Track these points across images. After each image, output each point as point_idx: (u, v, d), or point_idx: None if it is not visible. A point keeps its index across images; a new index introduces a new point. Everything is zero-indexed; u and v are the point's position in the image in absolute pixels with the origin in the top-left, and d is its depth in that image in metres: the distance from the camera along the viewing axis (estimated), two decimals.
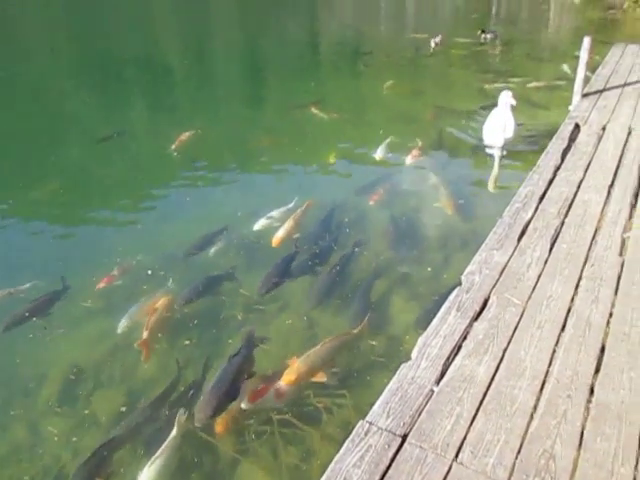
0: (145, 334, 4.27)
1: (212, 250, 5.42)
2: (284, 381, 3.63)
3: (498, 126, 7.09)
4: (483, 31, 14.30)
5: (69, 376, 4.05)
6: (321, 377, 3.73)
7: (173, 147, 8.05)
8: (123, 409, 3.74)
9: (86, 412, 3.75)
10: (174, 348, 4.26)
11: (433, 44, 13.70)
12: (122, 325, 4.39)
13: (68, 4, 29.17)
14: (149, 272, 5.13)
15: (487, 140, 7.38)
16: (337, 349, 3.96)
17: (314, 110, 9.41)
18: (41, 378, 4.07)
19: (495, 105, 7.24)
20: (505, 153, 7.21)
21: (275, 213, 5.92)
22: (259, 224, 5.76)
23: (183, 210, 6.50)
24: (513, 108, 6.99)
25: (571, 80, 8.70)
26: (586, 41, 7.16)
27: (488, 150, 7.35)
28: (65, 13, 25.73)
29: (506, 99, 6.97)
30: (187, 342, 4.29)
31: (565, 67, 11.21)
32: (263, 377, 3.80)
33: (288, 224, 5.62)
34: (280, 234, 5.49)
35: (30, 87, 12.22)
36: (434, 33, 13.80)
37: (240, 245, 5.53)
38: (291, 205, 6.07)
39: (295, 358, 3.85)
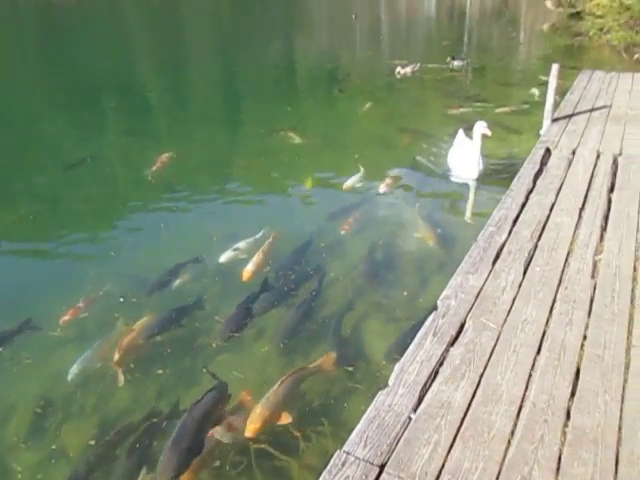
0: (117, 356, 4.22)
1: (183, 279, 5.32)
2: (248, 432, 3.42)
3: (472, 159, 6.98)
4: (452, 57, 14.51)
5: (36, 409, 3.91)
6: (286, 419, 3.54)
7: (148, 171, 7.98)
8: (92, 442, 3.61)
9: (53, 447, 3.61)
10: (147, 377, 4.16)
11: (401, 71, 13.63)
12: (73, 372, 4.16)
13: (41, 29, 29.14)
14: (121, 299, 5.03)
15: (461, 173, 7.25)
16: (297, 385, 3.81)
17: (290, 134, 9.45)
18: (7, 411, 3.93)
19: (468, 129, 7.29)
20: (478, 182, 7.15)
21: (242, 244, 5.77)
22: (225, 256, 5.59)
23: (157, 236, 6.41)
24: (485, 137, 6.88)
25: (540, 104, 8.94)
26: (554, 68, 7.35)
27: (462, 181, 7.28)
28: (38, 38, 25.66)
29: (481, 130, 6.81)
30: (160, 371, 4.19)
31: (535, 91, 11.50)
32: (228, 425, 3.56)
33: (257, 257, 5.47)
34: (250, 268, 5.33)
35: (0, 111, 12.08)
36: (405, 63, 13.81)
37: (211, 276, 5.42)
38: (259, 235, 5.93)
39: (250, 396, 3.72)
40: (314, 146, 9.12)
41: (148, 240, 6.36)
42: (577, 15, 18.06)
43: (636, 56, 13.78)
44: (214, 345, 4.33)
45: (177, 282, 5.29)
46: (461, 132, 7.53)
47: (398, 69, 13.55)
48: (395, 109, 11.13)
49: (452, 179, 7.35)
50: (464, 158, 7.16)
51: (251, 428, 3.44)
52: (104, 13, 38.59)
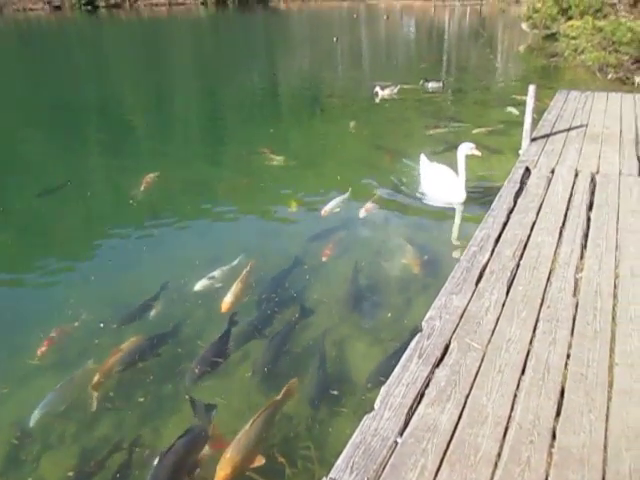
0: (95, 380, 4.18)
1: (164, 305, 5.24)
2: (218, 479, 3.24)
3: (459, 182, 6.95)
4: (426, 80, 14.71)
5: (13, 439, 3.80)
6: (259, 461, 3.37)
7: (135, 192, 7.99)
8: (71, 474, 3.51)
9: (30, 479, 3.51)
10: (129, 405, 4.07)
11: (380, 93, 13.73)
12: (34, 417, 3.97)
13: (20, 47, 29.13)
14: (101, 325, 4.95)
15: (445, 197, 7.18)
16: (269, 423, 3.69)
17: (271, 155, 9.50)
18: None
19: (450, 149, 7.36)
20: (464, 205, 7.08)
21: (217, 273, 5.62)
22: (201, 285, 5.45)
23: (139, 261, 6.33)
24: (474, 158, 6.88)
25: (517, 124, 9.10)
26: (531, 89, 7.50)
27: (446, 204, 7.19)
28: (17, 57, 25.62)
29: (468, 151, 6.78)
30: (142, 399, 4.11)
31: (512, 110, 11.73)
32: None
33: (236, 287, 5.33)
34: (229, 299, 5.17)
35: None
36: (384, 85, 13.96)
37: (193, 301, 5.32)
38: (234, 263, 5.82)
39: (222, 439, 3.58)
40: (297, 167, 9.16)
41: (130, 264, 6.26)
42: (552, 36, 18.49)
43: (610, 76, 14.14)
44: (196, 371, 4.26)
45: (158, 308, 5.20)
46: (423, 157, 7.63)
47: (377, 89, 13.69)
48: (376, 130, 11.24)
49: (435, 203, 7.27)
50: (445, 182, 7.12)
51: (221, 475, 3.27)
52: (86, 33, 38.82)
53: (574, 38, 14.42)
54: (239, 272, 5.62)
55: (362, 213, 7.06)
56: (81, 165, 9.83)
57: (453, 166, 7.15)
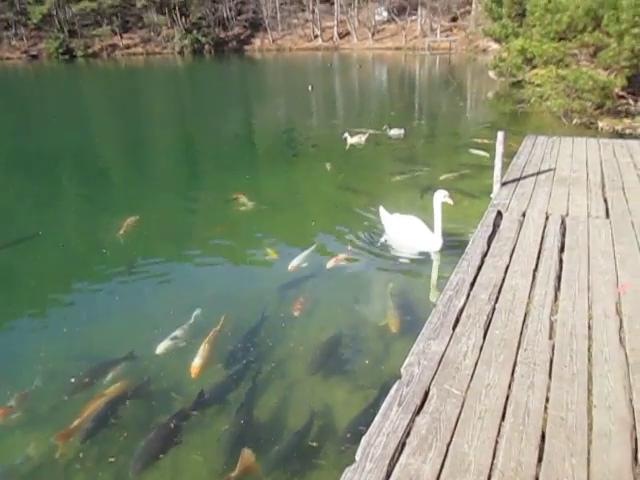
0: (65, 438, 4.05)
1: (137, 359, 5.13)
2: None
3: (435, 231, 6.91)
4: (389, 126, 15.02)
5: None
6: None
7: (111, 238, 7.99)
8: None
9: None
10: (99, 466, 3.91)
11: (349, 140, 13.91)
12: None
13: None
14: (72, 380, 4.81)
15: (420, 247, 7.18)
16: None
17: (247, 202, 9.58)
18: None
19: (425, 192, 7.44)
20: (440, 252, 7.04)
21: (179, 332, 5.41)
22: (162, 347, 5.21)
23: (112, 311, 6.21)
24: (446, 205, 6.86)
25: (487, 168, 9.36)
26: (500, 135, 7.75)
27: (421, 253, 7.17)
28: None
29: (442, 199, 6.80)
30: (112, 459, 3.94)
31: (482, 153, 12.07)
32: None
33: (204, 348, 5.12)
34: (198, 362, 4.96)
35: None
36: (353, 132, 14.22)
37: (154, 367, 5.07)
38: (193, 320, 5.64)
39: None
40: (272, 214, 9.21)
41: (103, 316, 6.11)
42: (518, 84, 19.19)
43: (574, 121, 14.69)
44: (172, 425, 4.15)
45: (130, 361, 5.09)
46: (382, 209, 7.72)
47: (346, 135, 13.98)
48: (350, 176, 11.40)
49: (407, 252, 7.23)
50: (417, 232, 7.12)
51: None
52: (63, 82, 39.09)
53: (539, 86, 15.00)
54: (206, 329, 5.43)
55: (331, 264, 6.95)
56: (54, 214, 9.73)
57: (420, 215, 7.28)
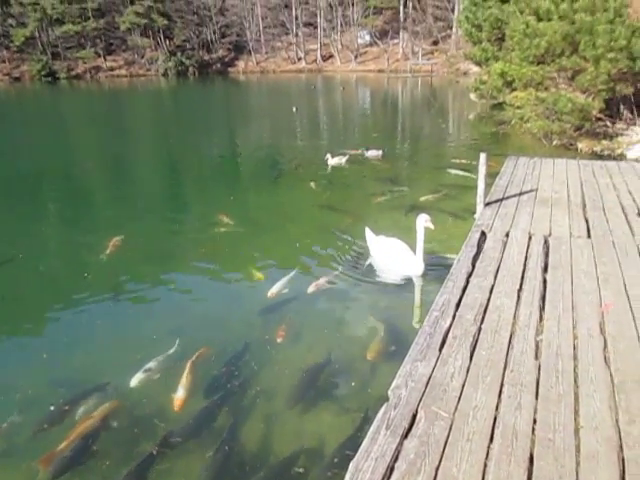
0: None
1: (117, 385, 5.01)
2: None
3: (417, 255, 6.89)
4: (366, 148, 15.14)
5: None
6: None
7: (102, 255, 8.00)
8: None
9: None
10: None
11: (330, 162, 13.97)
12: None
13: None
14: (52, 407, 4.70)
15: (402, 271, 7.10)
16: None
17: (231, 223, 9.59)
18: None
19: (409, 212, 7.46)
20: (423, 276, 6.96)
21: (153, 364, 5.20)
22: (137, 379, 5.03)
23: (93, 336, 6.08)
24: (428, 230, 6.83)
25: (470, 187, 9.46)
26: (482, 156, 7.85)
27: (404, 277, 7.09)
28: None
29: (423, 223, 6.79)
30: None
31: (465, 174, 12.24)
32: None
33: (186, 380, 4.95)
34: (181, 395, 4.78)
35: None
36: (334, 154, 14.28)
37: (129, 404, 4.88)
38: (171, 351, 5.46)
39: None
40: (256, 235, 9.19)
41: (84, 341, 5.98)
42: (499, 105, 19.53)
43: (554, 142, 14.96)
44: (154, 452, 4.06)
45: (112, 389, 4.98)
46: (368, 231, 7.70)
47: (327, 156, 14.11)
48: (333, 196, 11.46)
49: (390, 276, 7.16)
50: (400, 256, 7.09)
51: None
52: (46, 103, 38.95)
53: (519, 108, 15.28)
54: (187, 358, 5.29)
55: (312, 288, 6.84)
56: (35, 237, 9.59)
57: (402, 237, 7.24)
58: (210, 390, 4.95)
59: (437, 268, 6.95)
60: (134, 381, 5.01)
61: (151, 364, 5.23)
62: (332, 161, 14.00)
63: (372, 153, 14.98)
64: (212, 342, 5.68)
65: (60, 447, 4.16)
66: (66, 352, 5.74)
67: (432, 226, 6.82)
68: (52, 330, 6.40)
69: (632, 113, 14.89)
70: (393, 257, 7.22)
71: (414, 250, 6.96)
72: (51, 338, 6.16)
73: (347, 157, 14.23)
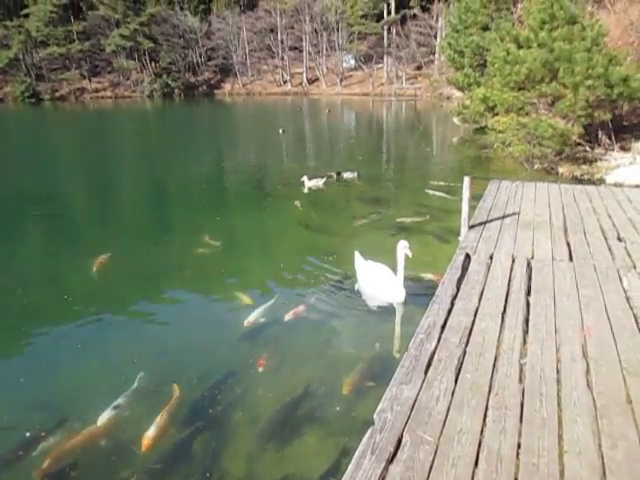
0: None
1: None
2: None
3: (397, 282, 6.87)
4: (339, 172, 15.35)
5: None
6: None
7: (91, 273, 7.99)
8: None
9: None
10: None
11: (307, 184, 14.09)
12: None
13: None
14: (27, 434, 4.61)
15: (384, 297, 7.06)
16: None
17: (216, 245, 9.59)
18: None
19: (391, 236, 7.48)
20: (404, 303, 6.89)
21: (122, 400, 4.94)
22: (104, 418, 4.77)
23: (72, 360, 5.98)
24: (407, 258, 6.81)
25: (451, 212, 9.56)
26: (466, 180, 7.96)
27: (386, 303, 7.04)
28: None
29: (403, 250, 6.77)
30: None
31: (447, 196, 12.40)
32: None
33: (161, 419, 4.68)
34: (151, 434, 4.49)
35: None
36: (311, 176, 14.42)
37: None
38: (136, 385, 5.20)
39: None
40: (240, 257, 9.22)
41: (63, 365, 5.90)
42: (482, 129, 19.87)
43: (536, 166, 15.23)
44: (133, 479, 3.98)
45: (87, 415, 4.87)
46: (357, 254, 7.64)
47: (303, 179, 14.23)
48: (317, 218, 11.55)
49: (373, 302, 7.12)
50: (383, 281, 7.06)
51: None
52: (29, 124, 38.74)
53: (501, 132, 15.54)
54: (161, 391, 5.11)
55: (290, 316, 6.74)
56: (14, 258, 9.48)
57: (387, 259, 7.17)
58: (191, 414, 4.89)
59: (420, 294, 6.87)
60: (101, 420, 4.76)
61: (120, 400, 4.99)
62: (309, 183, 14.16)
63: (347, 175, 15.31)
64: (191, 369, 5.59)
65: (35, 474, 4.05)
66: (44, 377, 5.63)
67: (410, 254, 6.75)
68: (30, 354, 6.26)
69: (610, 139, 15.23)
70: (375, 283, 7.19)
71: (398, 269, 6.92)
72: (29, 362, 6.03)
73: (324, 179, 14.38)
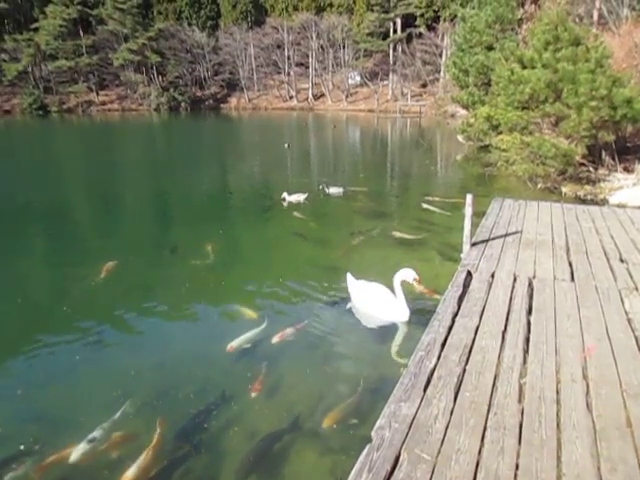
0: None
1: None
2: None
3: (400, 300, 6.76)
4: (326, 185, 15.57)
5: None
6: None
7: (96, 279, 8.06)
8: None
9: None
10: None
11: (287, 199, 14.15)
12: None
13: None
14: (22, 447, 4.58)
15: (388, 317, 6.91)
16: None
17: (214, 256, 9.66)
18: None
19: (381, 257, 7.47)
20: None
21: (98, 433, 4.59)
22: (79, 451, 4.46)
23: (70, 373, 5.95)
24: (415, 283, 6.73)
25: (453, 229, 9.57)
26: (469, 197, 7.97)
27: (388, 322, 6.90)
28: None
29: (406, 277, 6.66)
30: None
31: (448, 214, 12.44)
32: None
33: (144, 458, 4.35)
34: (131, 473, 4.19)
35: None
36: (292, 191, 14.49)
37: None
38: (117, 416, 4.91)
39: None
40: (241, 272, 9.19)
41: (61, 377, 5.86)
42: (486, 148, 19.94)
43: (539, 185, 15.24)
44: None
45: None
46: (349, 276, 7.50)
47: (284, 195, 14.33)
48: (318, 232, 11.60)
49: (373, 321, 6.95)
50: (384, 301, 6.93)
51: None
52: (36, 136, 39.07)
53: (505, 151, 15.60)
54: (133, 425, 4.85)
55: (276, 339, 6.48)
56: (17, 268, 9.52)
57: (387, 275, 6.99)
58: (184, 431, 4.81)
59: (421, 313, 6.75)
60: (74, 455, 4.45)
61: (95, 433, 4.67)
62: (290, 198, 14.27)
63: (333, 190, 15.46)
64: (180, 391, 5.43)
65: None
66: (41, 389, 5.59)
67: (418, 287, 6.59)
68: (28, 366, 6.21)
69: (614, 159, 15.26)
70: (376, 303, 7.03)
71: (394, 294, 6.78)
72: (27, 374, 5.99)
73: (306, 195, 14.48)
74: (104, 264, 9.04)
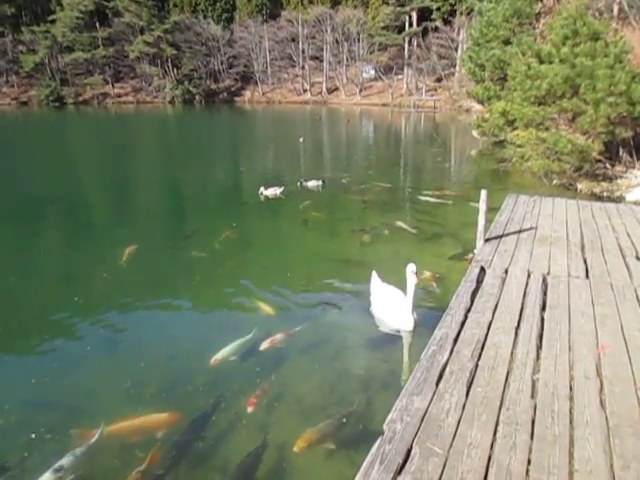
0: None
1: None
2: None
3: (406, 308, 6.44)
4: (304, 180, 15.75)
5: None
6: None
7: (120, 262, 8.36)
8: None
9: None
10: None
11: (264, 193, 14.26)
12: None
13: None
14: (33, 435, 4.64)
15: (393, 325, 6.62)
16: None
17: (225, 248, 9.83)
18: None
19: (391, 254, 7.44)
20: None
21: (67, 460, 4.24)
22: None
23: (83, 362, 6.01)
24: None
25: (468, 224, 9.55)
26: (483, 193, 7.93)
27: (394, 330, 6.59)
28: None
29: (412, 275, 6.30)
30: None
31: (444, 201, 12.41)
32: None
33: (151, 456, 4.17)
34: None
35: None
36: (268, 185, 14.56)
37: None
38: (94, 440, 4.57)
39: None
40: (252, 265, 9.26)
41: (74, 367, 5.92)
42: (501, 143, 19.75)
43: (554, 181, 15.11)
44: None
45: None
46: (375, 275, 7.28)
47: (261, 189, 14.46)
48: (330, 227, 11.64)
49: (383, 326, 6.72)
50: (394, 308, 6.64)
51: None
52: (53, 127, 39.43)
53: (520, 146, 15.45)
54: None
55: (265, 345, 6.22)
56: (32, 259, 9.63)
57: (397, 275, 6.72)
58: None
59: (429, 321, 6.11)
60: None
61: (64, 461, 4.30)
62: (267, 192, 14.45)
63: (312, 183, 15.72)
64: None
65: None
66: (55, 378, 5.66)
67: (416, 279, 6.30)
68: (43, 354, 6.30)
69: (631, 156, 15.07)
70: (385, 308, 6.83)
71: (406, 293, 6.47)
72: (41, 363, 6.06)
73: (282, 189, 14.64)
74: (125, 248, 9.43)
